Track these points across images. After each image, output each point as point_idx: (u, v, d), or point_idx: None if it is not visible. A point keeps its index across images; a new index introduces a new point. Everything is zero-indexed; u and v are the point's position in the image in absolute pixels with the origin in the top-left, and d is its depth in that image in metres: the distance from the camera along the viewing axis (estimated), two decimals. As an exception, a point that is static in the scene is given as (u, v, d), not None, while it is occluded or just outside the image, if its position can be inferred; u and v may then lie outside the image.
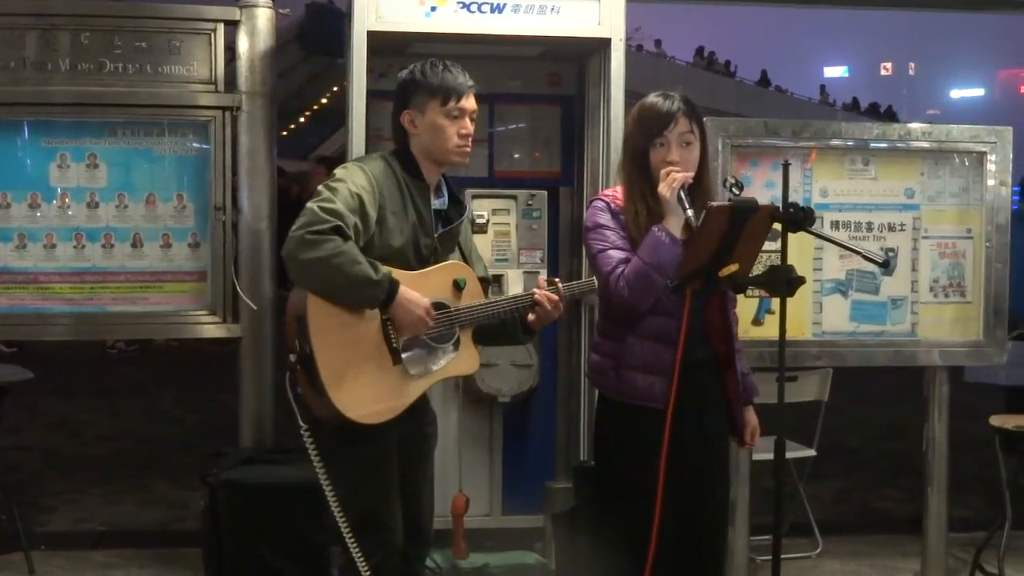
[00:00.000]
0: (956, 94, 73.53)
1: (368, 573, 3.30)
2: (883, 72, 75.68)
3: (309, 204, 3.21)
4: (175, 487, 6.65)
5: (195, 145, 4.87)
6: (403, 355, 3.31)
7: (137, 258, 4.86)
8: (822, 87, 44.49)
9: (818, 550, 5.45)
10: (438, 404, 4.82)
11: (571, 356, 5.11)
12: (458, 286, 3.44)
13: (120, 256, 4.85)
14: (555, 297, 3.49)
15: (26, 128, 4.82)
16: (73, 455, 7.65)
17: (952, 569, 5.13)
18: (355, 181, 3.27)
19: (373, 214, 3.27)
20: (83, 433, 8.37)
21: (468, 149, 3.47)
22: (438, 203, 3.51)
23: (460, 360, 3.46)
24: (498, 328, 3.55)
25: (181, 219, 4.88)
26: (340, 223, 3.14)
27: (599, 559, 3.62)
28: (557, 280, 3.59)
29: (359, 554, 3.30)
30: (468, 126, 3.45)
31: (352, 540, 3.30)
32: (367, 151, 4.27)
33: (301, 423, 3.30)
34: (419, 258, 3.41)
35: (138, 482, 6.80)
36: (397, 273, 3.28)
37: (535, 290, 3.51)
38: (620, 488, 3.56)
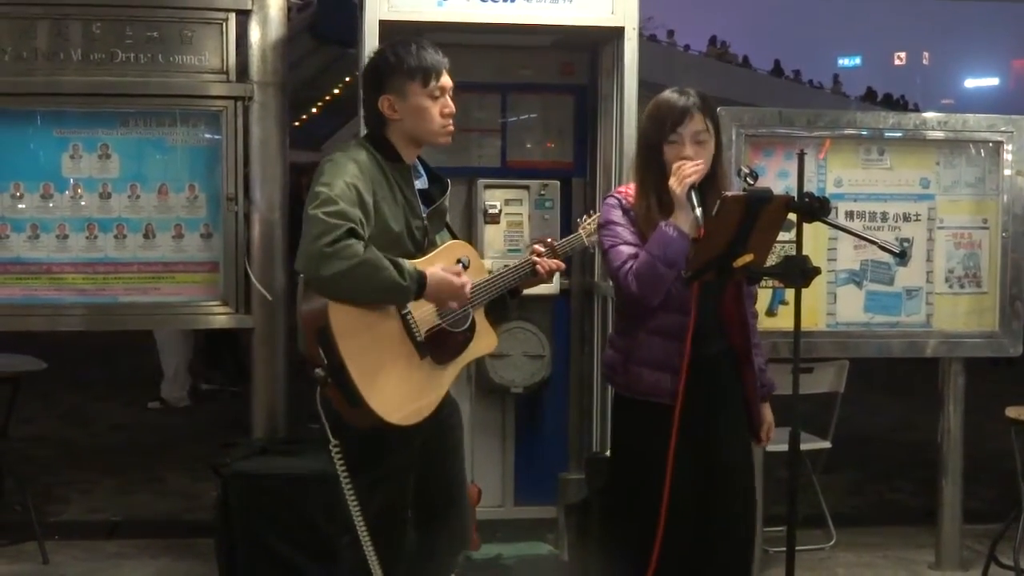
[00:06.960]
0: (971, 84, 73.25)
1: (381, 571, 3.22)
2: (897, 62, 75.41)
3: (311, 211, 3.02)
4: (188, 478, 6.66)
5: (207, 135, 4.86)
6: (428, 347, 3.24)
7: (149, 248, 4.85)
8: (835, 76, 44.12)
9: (832, 542, 5.43)
10: (450, 395, 4.83)
11: (583, 347, 5.09)
12: (463, 266, 3.31)
13: (132, 246, 4.84)
14: (562, 264, 3.62)
15: (38, 118, 4.81)
16: (87, 445, 7.66)
17: (967, 560, 5.11)
18: (347, 172, 3.12)
19: (370, 200, 3.14)
20: (96, 423, 8.39)
21: (452, 128, 3.36)
22: (420, 183, 3.41)
23: (480, 339, 3.42)
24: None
25: (193, 209, 4.87)
26: (351, 224, 2.99)
27: (611, 550, 3.61)
28: (551, 240, 3.66)
29: (374, 554, 3.20)
30: (450, 104, 3.33)
31: (368, 539, 3.19)
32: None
33: (332, 439, 3.15)
34: (413, 241, 3.31)
35: (151, 472, 6.82)
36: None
37: (533, 258, 3.53)
38: (630, 482, 3.53)
